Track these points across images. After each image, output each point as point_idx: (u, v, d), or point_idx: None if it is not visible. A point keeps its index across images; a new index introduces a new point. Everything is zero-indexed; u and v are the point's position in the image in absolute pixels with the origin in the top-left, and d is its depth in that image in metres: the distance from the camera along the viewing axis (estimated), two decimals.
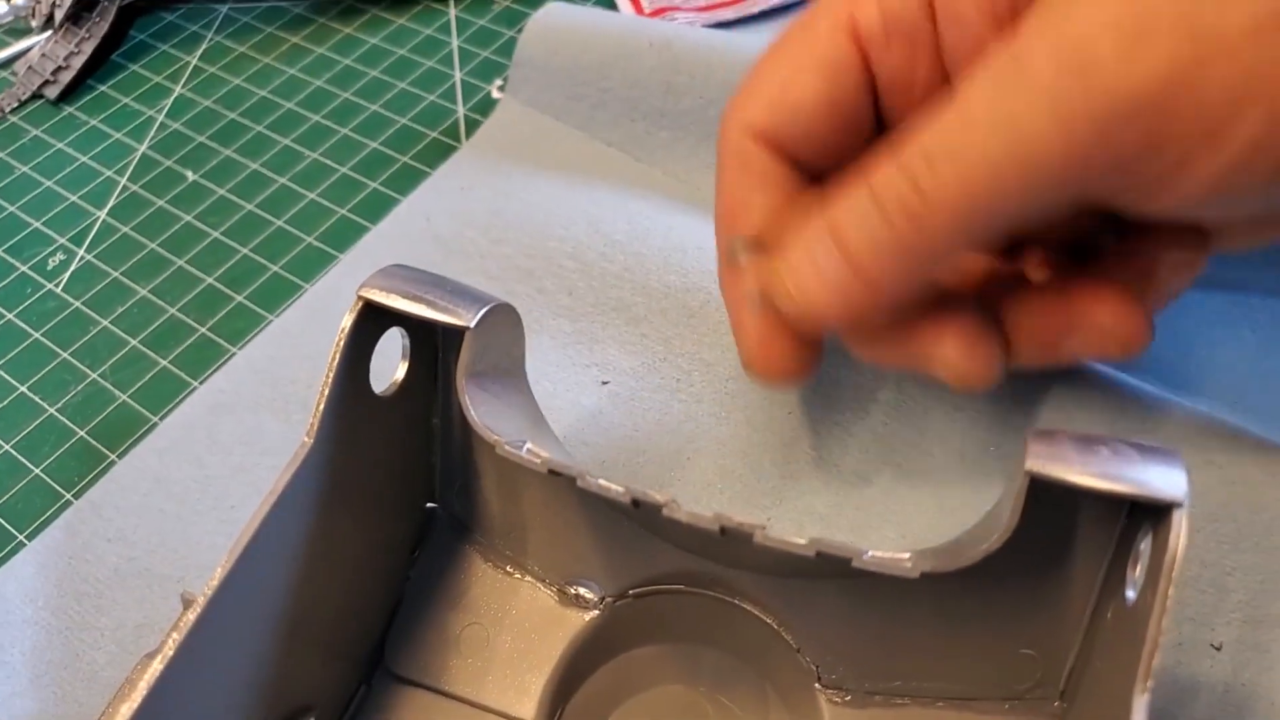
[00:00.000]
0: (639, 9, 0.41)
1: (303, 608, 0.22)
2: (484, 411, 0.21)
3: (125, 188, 0.39)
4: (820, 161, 0.24)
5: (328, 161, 0.39)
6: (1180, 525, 0.16)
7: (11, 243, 0.38)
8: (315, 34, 0.44)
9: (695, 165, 0.36)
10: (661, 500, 0.19)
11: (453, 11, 0.44)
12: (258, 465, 0.31)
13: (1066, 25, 0.18)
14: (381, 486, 0.24)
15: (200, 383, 0.33)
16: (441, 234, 0.35)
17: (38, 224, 0.38)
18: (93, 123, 0.42)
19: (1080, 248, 0.24)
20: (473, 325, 0.21)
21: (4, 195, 0.40)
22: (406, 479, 0.25)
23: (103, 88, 0.43)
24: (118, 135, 0.41)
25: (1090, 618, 0.20)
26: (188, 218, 0.38)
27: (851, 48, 0.23)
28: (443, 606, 0.25)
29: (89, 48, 0.43)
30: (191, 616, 0.19)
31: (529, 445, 0.20)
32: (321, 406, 0.20)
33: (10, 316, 0.36)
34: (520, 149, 0.38)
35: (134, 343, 0.34)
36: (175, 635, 0.19)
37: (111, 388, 0.33)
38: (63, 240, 0.38)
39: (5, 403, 0.33)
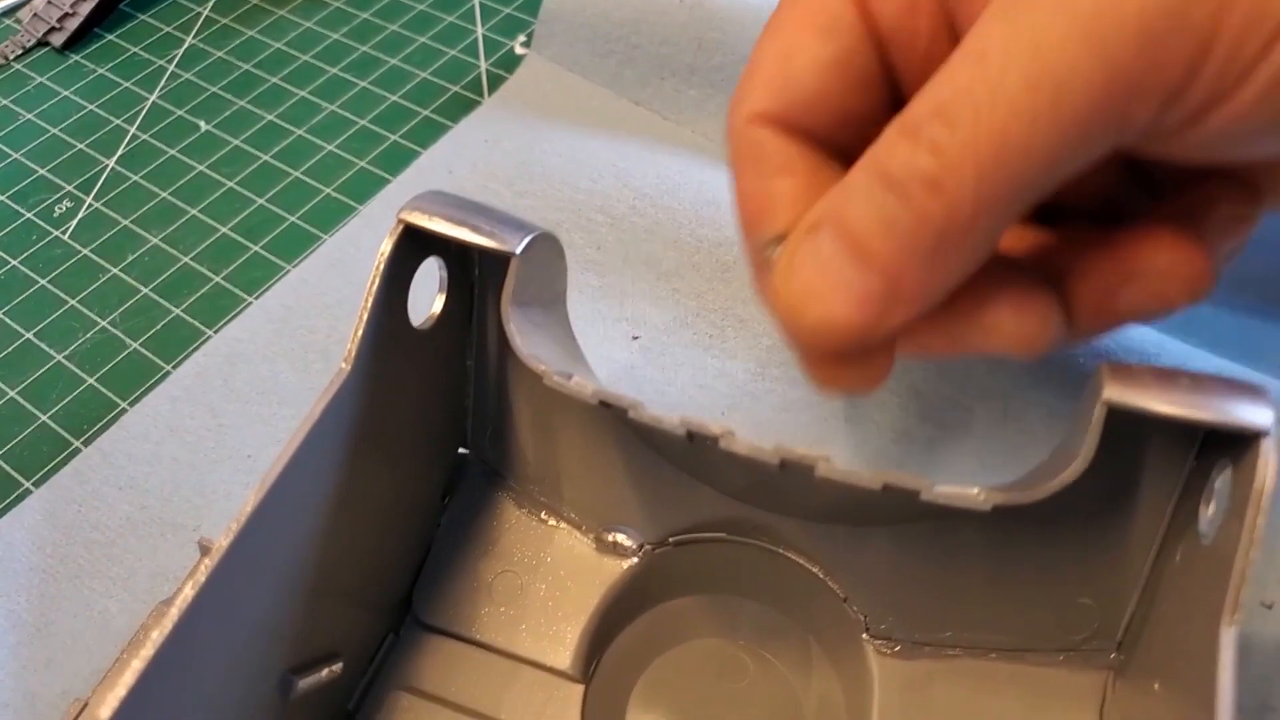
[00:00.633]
0: None
1: (328, 555, 0.21)
2: (527, 342, 0.20)
3: (135, 136, 0.38)
4: (843, 137, 0.21)
5: (346, 114, 0.38)
6: (1270, 454, 0.16)
7: (16, 189, 0.37)
8: None
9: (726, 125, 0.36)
10: (718, 432, 0.18)
11: None
12: (275, 415, 0.30)
13: None
14: (413, 429, 0.23)
15: (215, 332, 0.32)
16: (465, 186, 0.34)
17: (43, 171, 0.37)
18: (100, 71, 0.41)
19: (1111, 213, 0.22)
20: (518, 251, 0.20)
21: (8, 142, 0.38)
22: (438, 423, 0.24)
23: (111, 36, 0.42)
24: (127, 84, 0.40)
25: (1152, 564, 0.20)
26: (201, 167, 0.37)
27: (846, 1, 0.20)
28: (474, 554, 0.24)
29: None
30: (210, 562, 0.18)
31: (576, 377, 0.20)
32: (360, 332, 0.20)
33: (15, 263, 0.34)
34: (545, 105, 0.37)
35: (145, 291, 0.33)
36: (192, 582, 0.18)
37: (122, 335, 0.32)
38: (69, 188, 0.36)
39: (10, 349, 0.32)
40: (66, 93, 0.40)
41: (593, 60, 0.37)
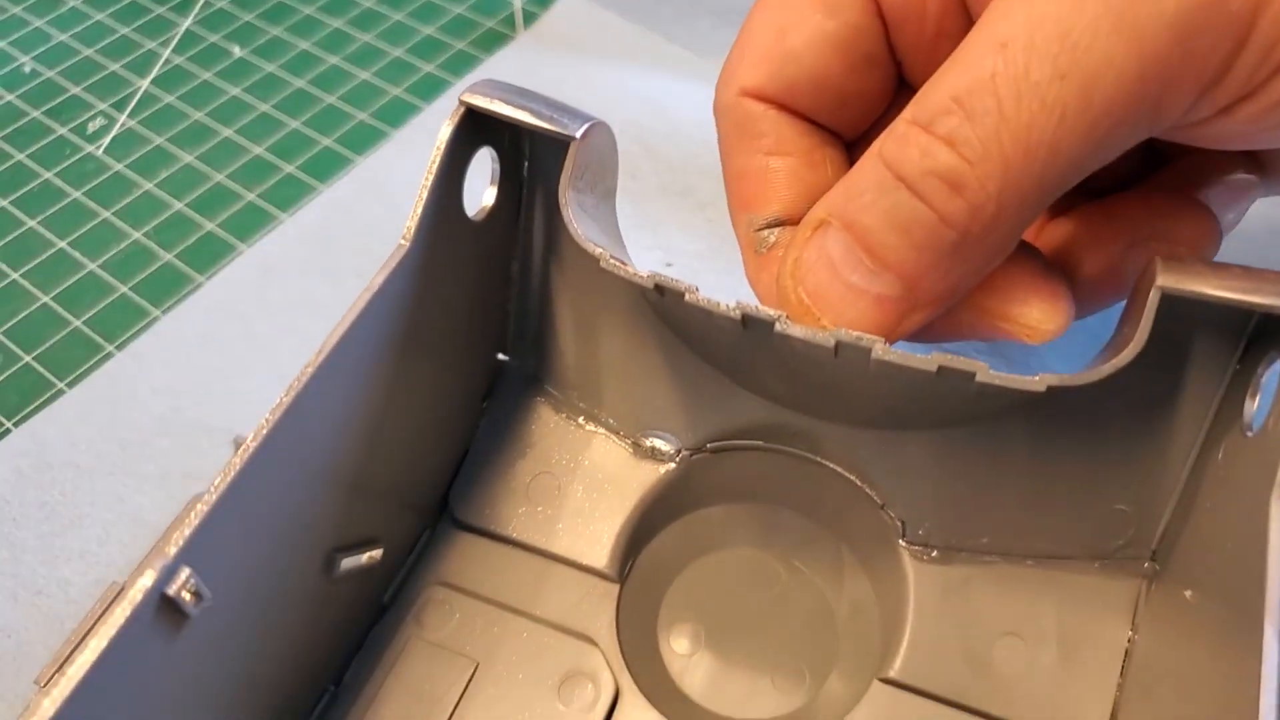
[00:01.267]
0: None
1: (367, 450, 0.21)
2: (583, 227, 0.20)
3: (169, 60, 0.38)
4: (841, 119, 0.20)
5: (380, 44, 0.38)
6: None
7: (49, 106, 0.37)
8: None
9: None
10: (774, 315, 0.18)
11: None
12: (308, 327, 0.30)
13: None
14: (456, 329, 0.23)
15: (248, 246, 0.32)
16: None
17: (77, 90, 0.37)
18: None
19: (1111, 183, 0.21)
20: (578, 136, 0.20)
21: (42, 61, 0.38)
22: (481, 326, 0.24)
23: None
24: (160, 11, 0.40)
25: (1192, 467, 0.20)
26: (235, 91, 0.37)
27: None
28: (511, 457, 0.24)
29: None
30: (244, 451, 0.18)
31: (630, 263, 0.20)
32: (420, 210, 0.20)
33: (48, 176, 0.34)
34: (580, 40, 0.37)
35: (179, 206, 0.33)
36: (224, 472, 0.17)
37: (155, 247, 0.32)
38: (103, 106, 0.37)
39: (44, 257, 0.32)
40: (100, 16, 0.40)
41: None
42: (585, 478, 0.24)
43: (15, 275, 0.32)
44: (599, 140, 0.21)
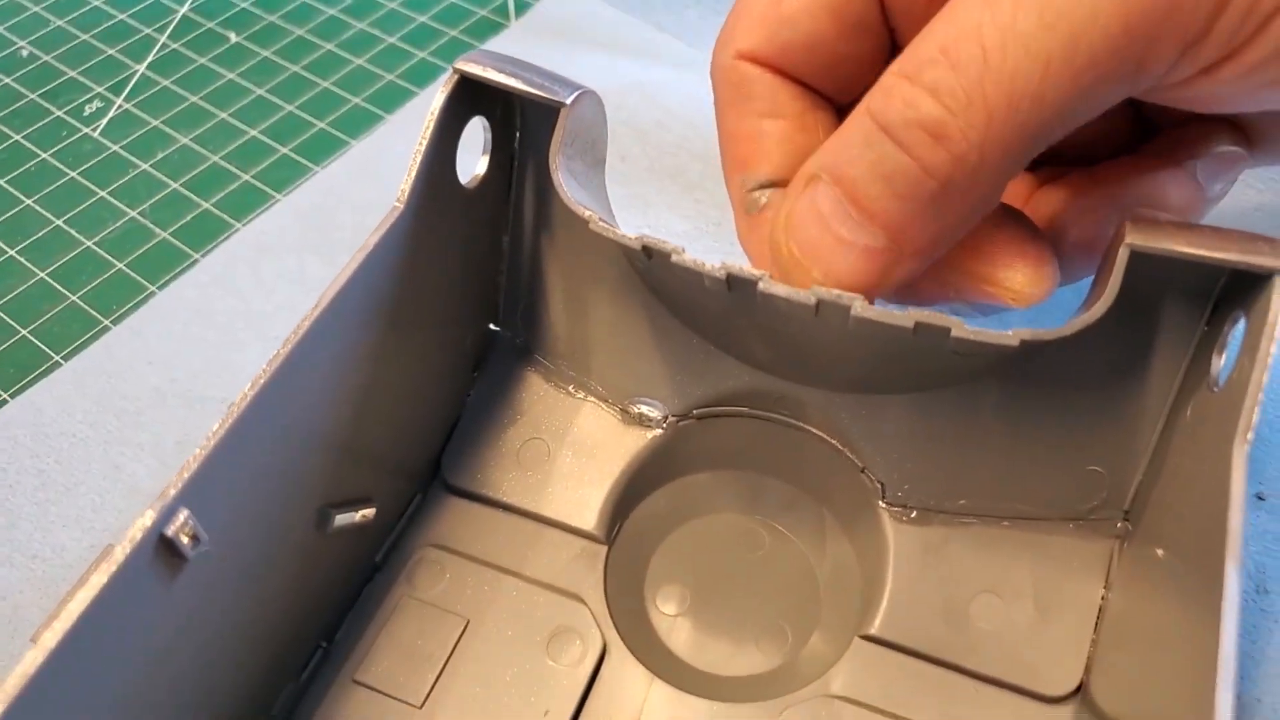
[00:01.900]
0: None
1: (359, 414, 0.21)
2: (572, 191, 0.21)
3: (165, 45, 0.38)
4: (835, 83, 0.20)
5: (374, 31, 0.38)
6: None
7: (46, 89, 0.37)
8: None
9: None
10: (757, 275, 0.19)
11: None
12: (303, 304, 0.30)
13: None
14: (447, 297, 0.24)
15: (243, 225, 0.32)
16: None
17: (74, 73, 0.38)
18: None
19: (1098, 150, 0.22)
20: (568, 102, 0.21)
21: (39, 45, 0.39)
22: (472, 296, 0.25)
23: None
24: None
25: (1163, 427, 0.21)
26: (231, 75, 0.37)
27: None
28: (502, 423, 0.25)
29: None
30: (248, 397, 0.18)
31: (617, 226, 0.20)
32: (413, 174, 0.20)
33: (45, 156, 0.35)
34: (572, 29, 0.38)
35: (175, 185, 0.34)
36: (226, 419, 0.18)
37: (151, 225, 0.32)
38: (100, 89, 0.37)
39: (40, 234, 0.32)
40: (97, 2, 0.40)
41: None
42: (574, 444, 0.24)
43: (11, 252, 0.32)
44: (589, 108, 0.22)
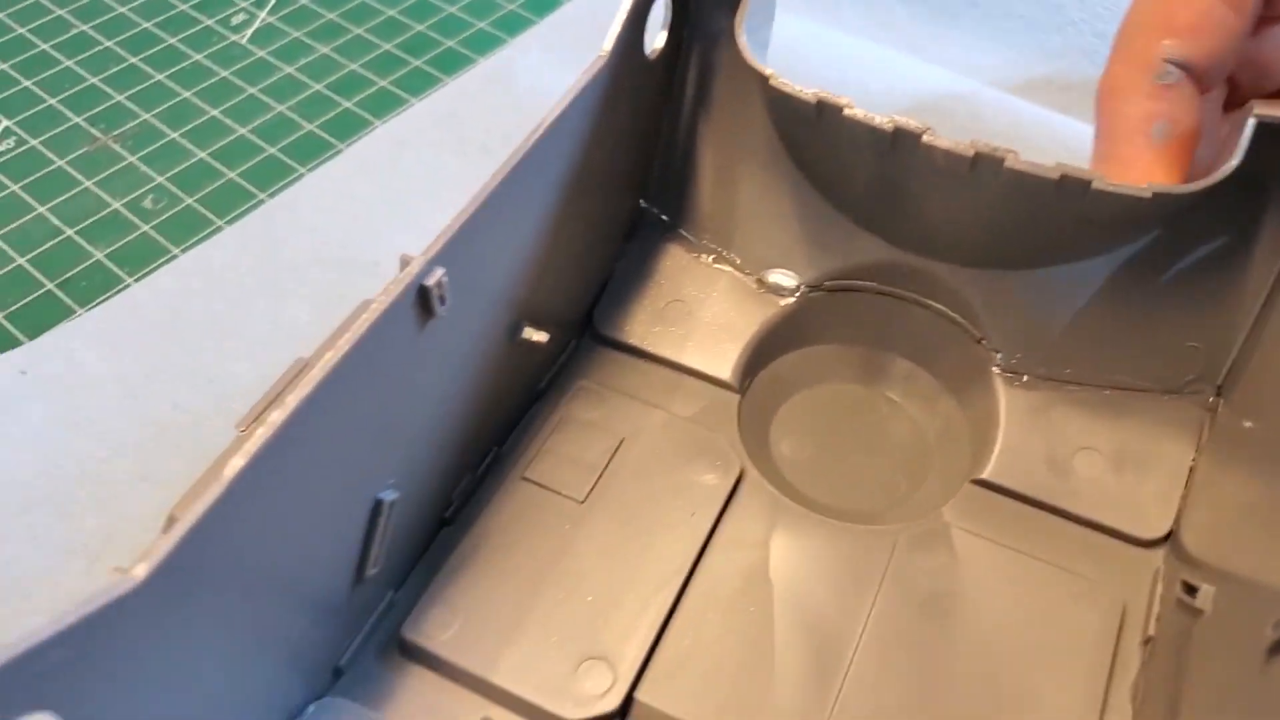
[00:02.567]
0: None
1: (538, 253, 0.23)
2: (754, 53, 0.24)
3: None
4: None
5: None
6: None
7: (196, 1, 0.40)
8: None
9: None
10: (921, 128, 0.22)
11: None
12: (439, 193, 0.33)
13: None
14: (613, 167, 0.26)
15: (382, 122, 0.35)
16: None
17: None
18: None
19: None
20: None
21: None
22: (631, 169, 0.27)
23: None
24: None
25: (1262, 306, 0.23)
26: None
27: None
28: (648, 286, 0.27)
29: None
30: (473, 207, 0.20)
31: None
32: (619, 27, 0.22)
33: (198, 57, 0.38)
34: None
35: (317, 87, 0.36)
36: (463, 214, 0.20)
37: (298, 119, 0.35)
38: (244, 4, 0.40)
39: (200, 121, 0.35)
40: None
41: None
42: (713, 306, 0.27)
43: (174, 135, 0.35)
44: None
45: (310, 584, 0.19)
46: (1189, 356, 0.24)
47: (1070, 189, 0.21)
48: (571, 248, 0.25)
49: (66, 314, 0.30)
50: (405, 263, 0.27)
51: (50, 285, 0.30)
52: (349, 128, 0.35)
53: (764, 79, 0.23)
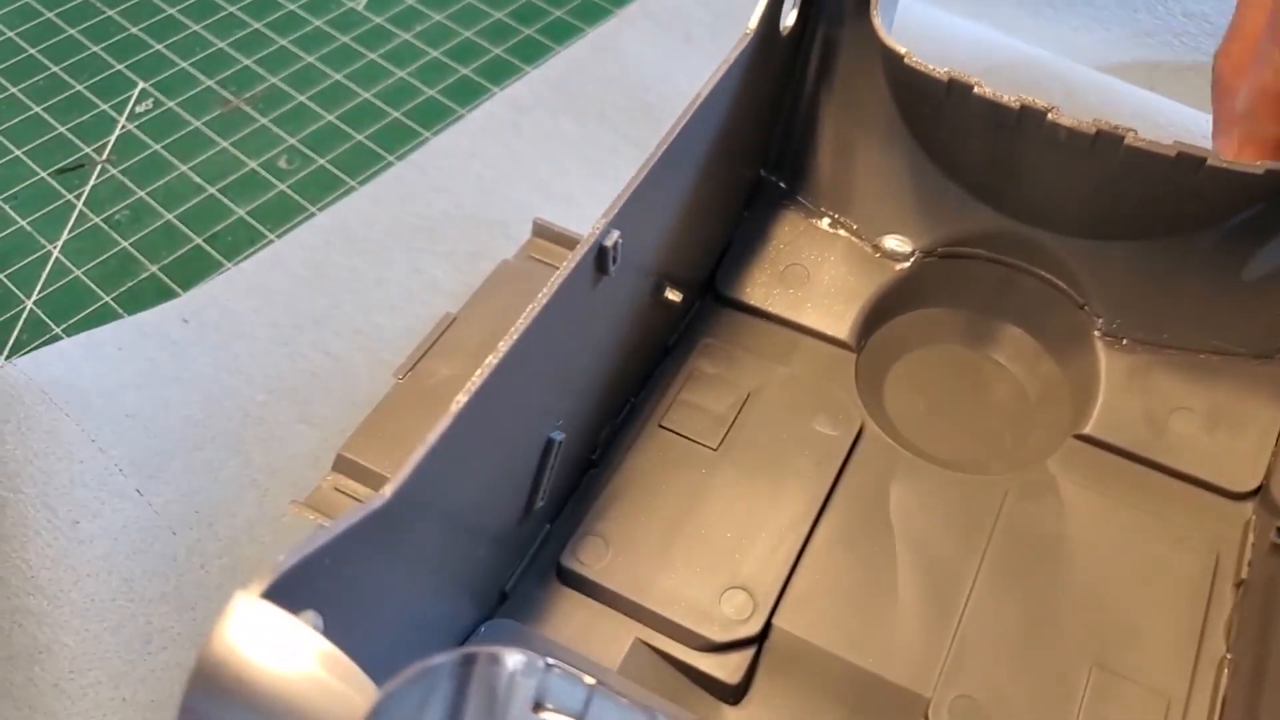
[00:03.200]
0: None
1: (677, 219, 0.25)
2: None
3: None
4: None
5: None
6: None
7: None
8: None
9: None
10: (1046, 106, 0.23)
11: None
12: (559, 157, 0.35)
13: None
14: (741, 136, 0.27)
15: (500, 89, 0.37)
16: None
17: None
18: None
19: None
20: None
21: None
22: (756, 139, 0.29)
23: None
24: None
25: None
26: None
27: None
28: (768, 251, 0.29)
29: None
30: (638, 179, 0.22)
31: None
32: (763, 8, 0.24)
33: (318, 23, 0.39)
34: None
35: (434, 54, 0.38)
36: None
37: (419, 84, 0.37)
38: None
39: (325, 85, 0.37)
40: None
41: None
42: (830, 270, 0.29)
43: (302, 98, 0.37)
44: None
45: (491, 512, 0.21)
46: None
47: (1185, 166, 0.23)
48: (702, 213, 0.27)
49: (216, 267, 0.32)
50: (538, 224, 0.29)
51: (199, 240, 0.32)
52: (468, 93, 0.37)
53: (899, 57, 0.24)
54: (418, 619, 0.20)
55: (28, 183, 0.34)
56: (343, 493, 0.23)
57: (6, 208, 0.33)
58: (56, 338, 0.30)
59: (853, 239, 0.29)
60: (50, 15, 0.40)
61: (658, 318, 0.26)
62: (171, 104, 0.37)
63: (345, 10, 0.40)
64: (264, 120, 0.36)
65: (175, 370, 0.29)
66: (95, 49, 0.39)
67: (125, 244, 0.32)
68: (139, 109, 0.36)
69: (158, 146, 0.35)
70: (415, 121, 0.36)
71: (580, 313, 0.21)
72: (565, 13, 0.40)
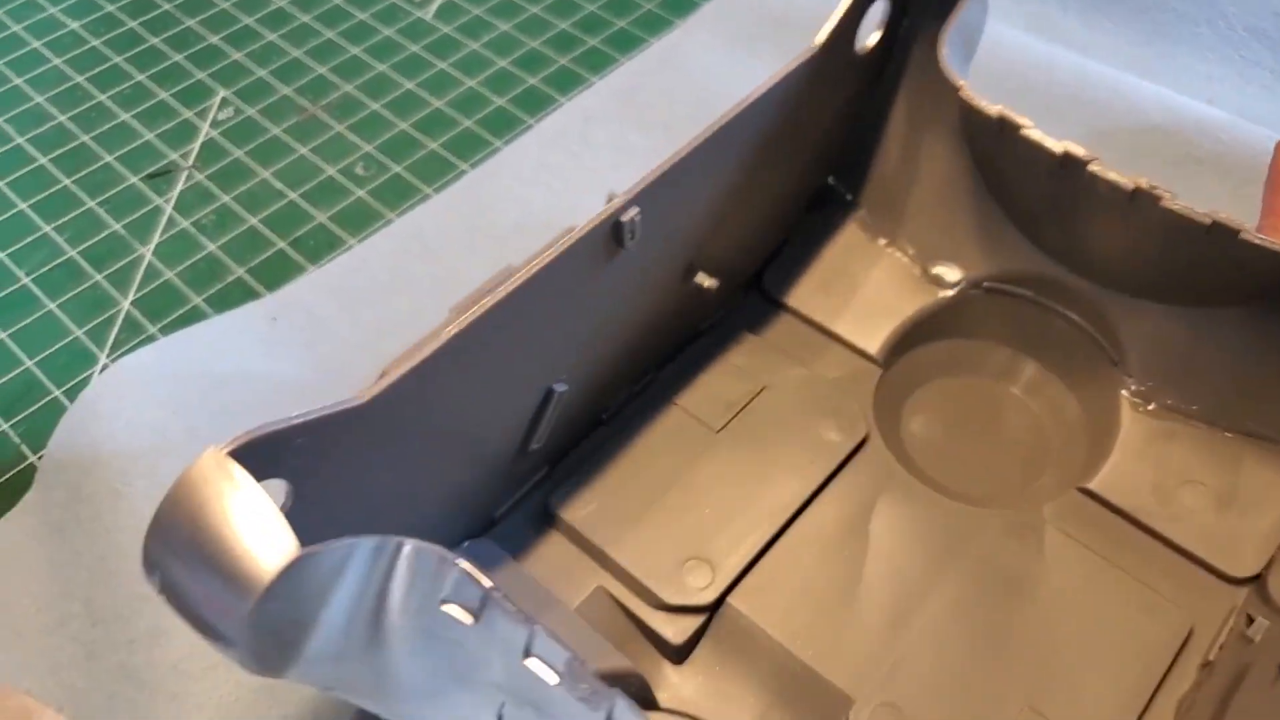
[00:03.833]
0: None
1: (722, 209, 0.26)
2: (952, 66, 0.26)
3: None
4: None
5: None
6: None
7: None
8: None
9: None
10: (1089, 156, 0.24)
11: None
12: (626, 164, 0.36)
13: None
14: (805, 144, 0.28)
15: (567, 99, 0.38)
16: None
17: None
18: None
19: None
20: None
21: None
22: (823, 148, 0.29)
23: None
24: None
25: None
26: None
27: None
28: (819, 256, 0.30)
29: None
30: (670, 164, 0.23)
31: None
32: (835, 23, 0.25)
33: (389, 32, 0.41)
34: None
35: (503, 64, 0.39)
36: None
37: (489, 94, 0.38)
38: None
39: (398, 94, 0.38)
40: None
41: None
42: (876, 285, 0.29)
43: (375, 106, 0.38)
44: (979, 10, 0.26)
45: (486, 444, 0.23)
46: None
47: (1220, 235, 0.23)
48: (751, 211, 0.28)
49: (299, 270, 0.33)
50: (610, 198, 0.30)
51: (282, 244, 0.34)
52: (537, 103, 0.38)
53: (955, 89, 0.25)
54: (401, 520, 0.21)
55: (119, 188, 0.36)
56: None
57: (101, 211, 0.35)
58: (152, 337, 0.31)
59: (904, 258, 0.30)
60: (133, 25, 0.42)
61: (690, 301, 0.27)
62: (251, 111, 0.38)
63: (414, 20, 0.41)
64: (339, 127, 0.37)
65: (265, 367, 0.30)
66: (177, 58, 0.40)
67: (213, 247, 0.34)
68: (220, 116, 0.38)
69: (239, 153, 0.37)
70: (487, 130, 0.37)
71: (591, 280, 0.22)
72: (628, 23, 0.41)
